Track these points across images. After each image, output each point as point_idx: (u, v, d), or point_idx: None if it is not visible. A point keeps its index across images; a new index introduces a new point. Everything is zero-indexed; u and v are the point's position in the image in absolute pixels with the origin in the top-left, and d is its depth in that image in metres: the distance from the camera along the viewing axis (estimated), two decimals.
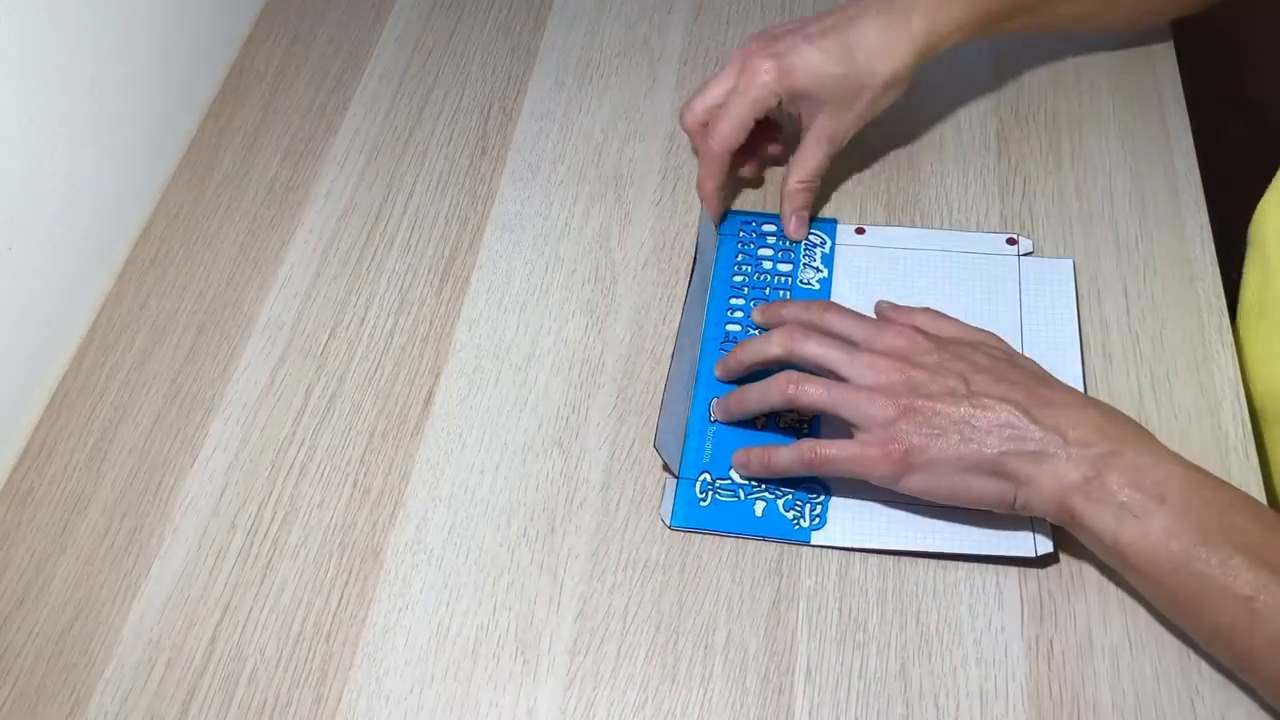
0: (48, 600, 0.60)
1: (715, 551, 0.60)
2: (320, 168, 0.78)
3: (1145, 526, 0.51)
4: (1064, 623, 0.56)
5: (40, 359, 0.68)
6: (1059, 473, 0.52)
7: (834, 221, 0.71)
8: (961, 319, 0.63)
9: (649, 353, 0.67)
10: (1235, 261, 0.68)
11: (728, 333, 0.67)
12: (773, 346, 0.59)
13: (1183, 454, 0.61)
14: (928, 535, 0.58)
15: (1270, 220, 0.62)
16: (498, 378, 0.67)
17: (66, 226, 0.69)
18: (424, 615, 0.58)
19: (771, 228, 0.71)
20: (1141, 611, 0.56)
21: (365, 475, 0.63)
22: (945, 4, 0.66)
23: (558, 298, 0.70)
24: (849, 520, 0.59)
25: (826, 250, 0.70)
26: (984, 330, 0.61)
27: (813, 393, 0.56)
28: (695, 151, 0.71)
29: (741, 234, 0.71)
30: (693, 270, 0.69)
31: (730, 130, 0.67)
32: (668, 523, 0.60)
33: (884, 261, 0.69)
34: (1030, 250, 0.69)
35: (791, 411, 0.62)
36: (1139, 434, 0.54)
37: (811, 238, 0.71)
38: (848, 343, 0.58)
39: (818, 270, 0.69)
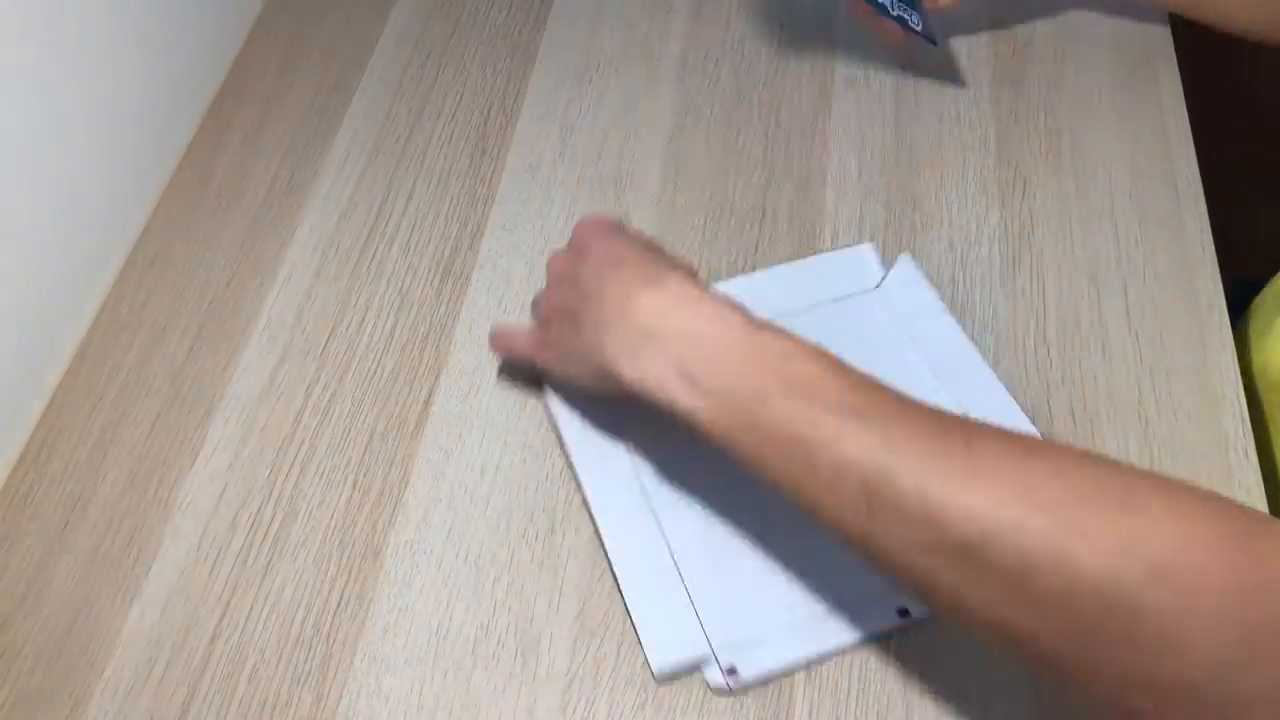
0: (48, 600, 0.60)
1: None
2: (320, 168, 0.78)
3: (706, 391, 0.50)
4: None
5: (40, 359, 0.68)
6: (634, 355, 0.53)
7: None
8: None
9: None
10: (1235, 262, 0.68)
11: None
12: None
13: (1182, 454, 0.61)
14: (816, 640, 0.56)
15: None
16: (498, 378, 0.67)
17: (66, 226, 0.69)
18: (424, 615, 0.58)
19: None
20: None
21: (365, 475, 0.63)
22: None
23: None
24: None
25: None
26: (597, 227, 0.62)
27: (534, 303, 0.64)
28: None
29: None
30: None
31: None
32: (725, 687, 0.55)
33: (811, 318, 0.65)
34: (882, 270, 0.68)
35: None
36: (709, 303, 0.53)
37: None
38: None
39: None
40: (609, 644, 0.57)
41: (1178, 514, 0.41)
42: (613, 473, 0.62)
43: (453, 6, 0.87)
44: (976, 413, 0.58)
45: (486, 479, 0.63)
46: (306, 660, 0.57)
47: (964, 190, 0.73)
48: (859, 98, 0.79)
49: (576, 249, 0.60)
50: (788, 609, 0.57)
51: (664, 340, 0.52)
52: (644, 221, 0.73)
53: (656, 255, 0.58)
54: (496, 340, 0.65)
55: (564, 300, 0.58)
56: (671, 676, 0.55)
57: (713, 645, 0.55)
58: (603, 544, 0.59)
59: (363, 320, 0.70)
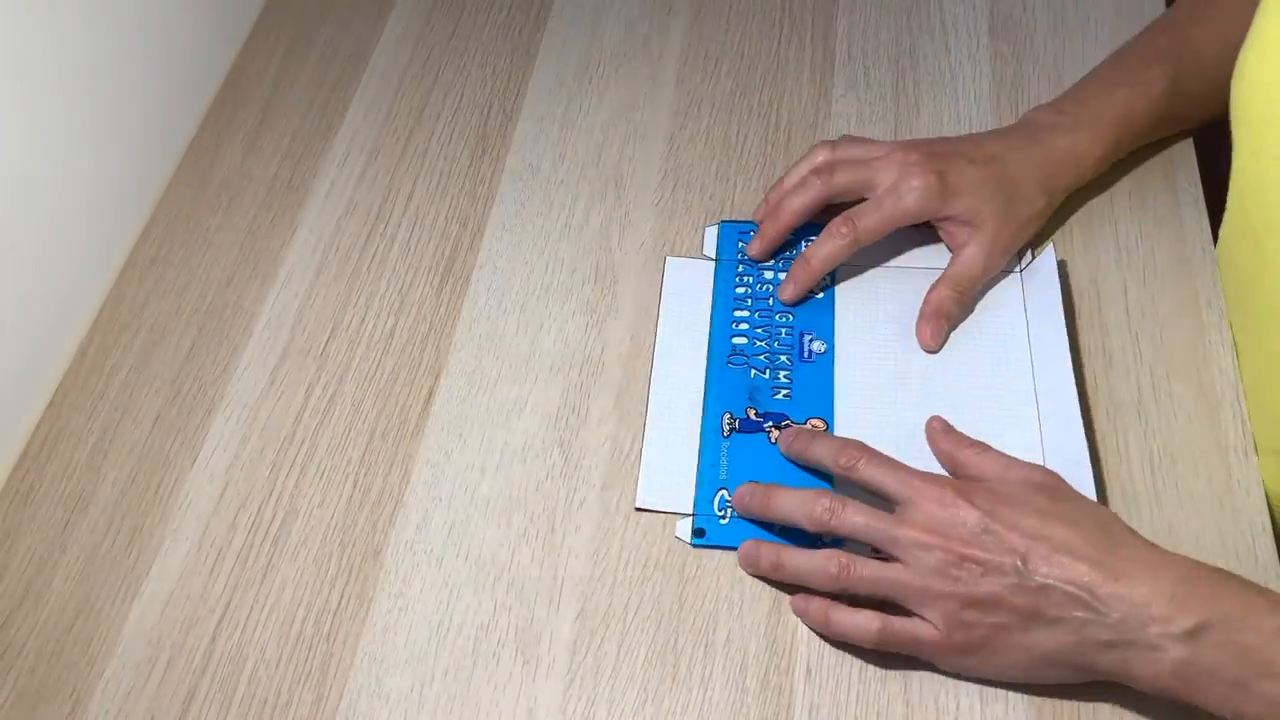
0: (48, 600, 0.60)
1: (715, 552, 0.60)
2: (320, 168, 0.78)
3: (1262, 701, 0.47)
4: None
5: (40, 359, 0.68)
6: (1146, 661, 0.49)
7: None
8: (968, 348, 0.64)
9: (649, 353, 0.67)
10: None
11: (734, 346, 0.66)
12: (829, 465, 0.57)
13: (1182, 454, 0.61)
14: None
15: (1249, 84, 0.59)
16: (498, 378, 0.67)
17: (66, 226, 0.69)
18: (424, 615, 0.58)
19: None
20: None
21: (365, 475, 0.63)
22: (1085, 148, 0.67)
23: (558, 298, 0.70)
24: None
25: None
26: (1027, 465, 0.56)
27: (867, 576, 0.53)
28: (793, 187, 0.68)
29: (741, 244, 0.71)
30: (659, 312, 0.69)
31: (881, 228, 0.65)
32: (688, 541, 0.60)
33: (887, 281, 0.68)
34: (1030, 259, 0.68)
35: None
36: (1218, 588, 0.49)
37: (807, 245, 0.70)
38: (884, 504, 0.55)
39: (821, 284, 0.68)
40: (609, 644, 0.57)
41: None
42: (687, 334, 0.67)
43: (453, 6, 0.87)
44: (1046, 427, 0.61)
45: (486, 479, 0.63)
46: (306, 660, 0.57)
47: None
48: (859, 98, 0.79)
49: (973, 529, 0.52)
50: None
51: (1195, 644, 0.48)
52: (644, 221, 0.73)
53: (1103, 522, 0.52)
54: (886, 633, 0.53)
55: (1001, 599, 0.50)
56: (646, 512, 0.61)
57: (695, 510, 0.61)
58: (649, 388, 0.65)
59: (363, 320, 0.70)
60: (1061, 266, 0.67)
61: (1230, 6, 0.67)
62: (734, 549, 0.59)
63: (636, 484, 0.62)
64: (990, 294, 0.67)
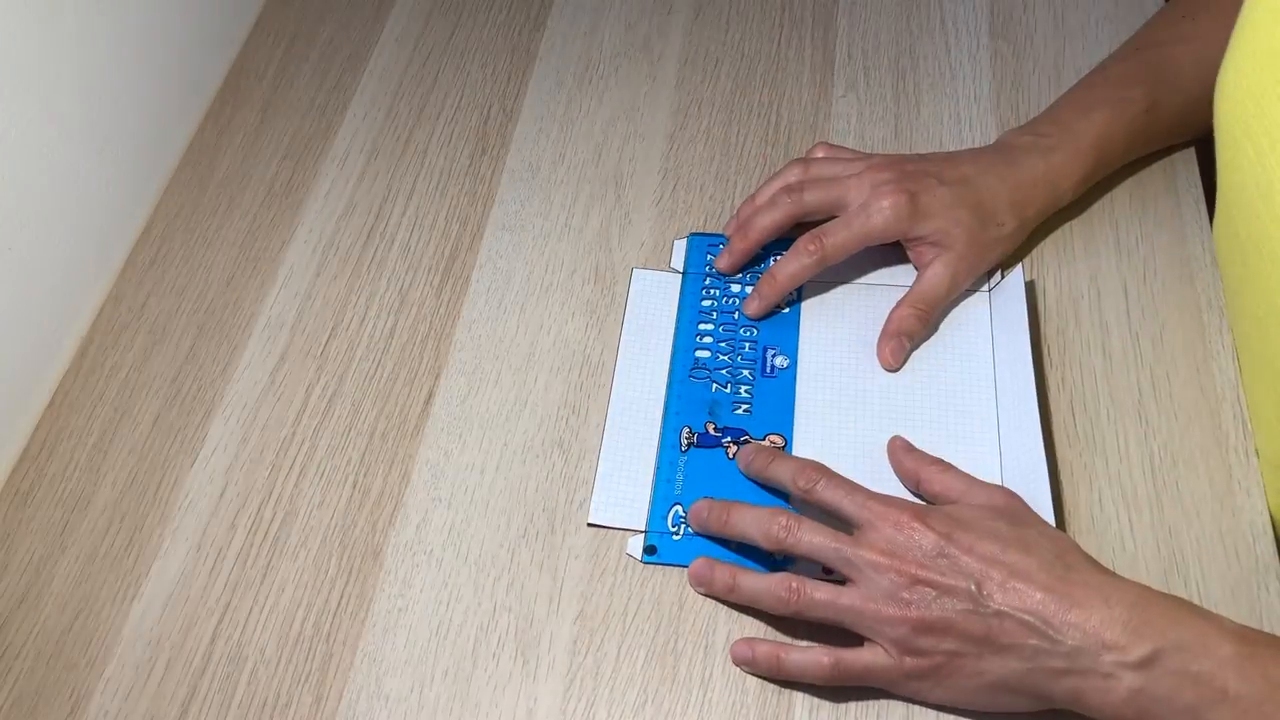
0: (48, 600, 0.60)
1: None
2: (320, 168, 0.78)
3: None
4: None
5: (40, 359, 0.68)
6: (1099, 690, 0.48)
7: None
8: (932, 366, 0.64)
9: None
10: None
11: (697, 359, 0.66)
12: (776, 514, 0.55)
13: (1182, 454, 0.61)
14: None
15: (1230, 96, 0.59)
16: (498, 378, 0.67)
17: (66, 226, 0.69)
18: (424, 615, 0.58)
19: None
20: None
21: (365, 475, 0.63)
22: (1061, 170, 0.66)
23: (558, 298, 0.70)
24: None
25: None
26: (989, 486, 0.57)
27: (819, 600, 0.53)
28: (759, 208, 0.68)
29: (709, 257, 0.71)
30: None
31: (848, 246, 0.65)
32: (638, 559, 0.60)
33: (853, 298, 0.68)
34: (999, 279, 0.68)
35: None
36: (1171, 616, 0.49)
37: (777, 259, 0.70)
38: (841, 525, 0.54)
39: (787, 299, 0.68)
40: (609, 644, 0.57)
41: None
42: (650, 347, 0.67)
43: (452, 6, 0.87)
44: (1006, 447, 0.61)
45: (486, 479, 0.63)
46: (306, 660, 0.57)
47: None
48: (859, 98, 0.79)
49: (929, 552, 0.51)
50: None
51: (1149, 673, 0.47)
52: (644, 221, 0.73)
53: (1059, 548, 0.52)
54: (837, 668, 0.53)
55: (955, 624, 0.50)
56: (599, 528, 0.61)
57: (648, 526, 0.60)
58: (608, 401, 0.65)
59: (363, 320, 0.70)
60: (1029, 287, 0.67)
61: (1209, 26, 0.67)
62: (686, 566, 0.59)
63: (595, 485, 0.62)
64: (956, 313, 0.67)
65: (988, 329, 0.66)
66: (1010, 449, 0.61)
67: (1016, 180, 0.65)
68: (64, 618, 0.59)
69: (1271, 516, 0.59)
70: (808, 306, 0.68)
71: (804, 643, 0.55)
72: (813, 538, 0.53)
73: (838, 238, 0.65)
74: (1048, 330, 0.67)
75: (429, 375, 0.67)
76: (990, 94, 0.78)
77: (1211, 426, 0.62)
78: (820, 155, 0.70)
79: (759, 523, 0.55)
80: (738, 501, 0.58)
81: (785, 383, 0.65)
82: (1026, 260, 0.69)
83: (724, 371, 0.66)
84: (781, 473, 0.58)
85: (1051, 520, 0.56)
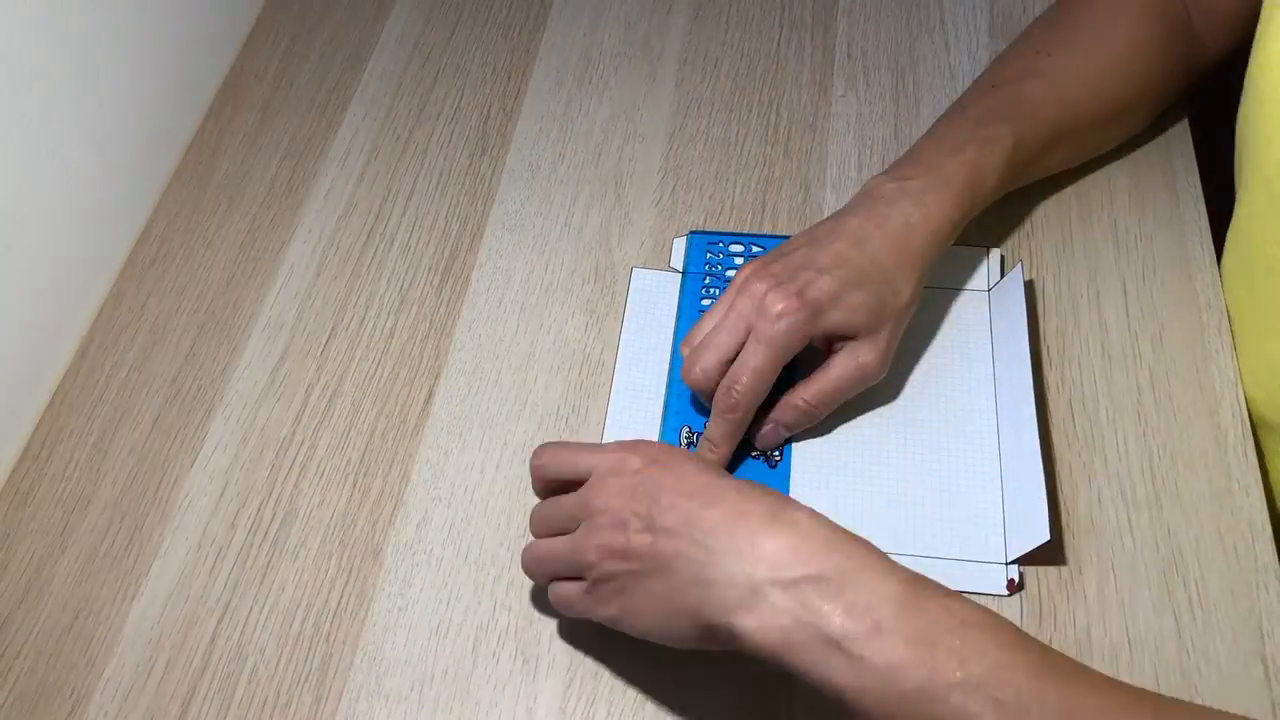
0: (48, 600, 0.60)
1: None
2: (320, 168, 0.78)
3: (860, 667, 0.43)
4: (1063, 623, 0.56)
5: (40, 359, 0.68)
6: (752, 609, 0.45)
7: None
8: (933, 366, 0.64)
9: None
10: None
11: None
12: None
13: (1182, 454, 0.61)
14: (893, 538, 0.59)
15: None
16: (498, 378, 0.67)
17: (66, 226, 0.69)
18: (424, 615, 0.58)
19: (739, 248, 0.71)
20: (1140, 612, 0.56)
21: (365, 475, 0.63)
22: (936, 212, 0.61)
23: (558, 298, 0.70)
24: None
25: None
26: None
27: (539, 557, 0.55)
28: (704, 400, 0.62)
29: (709, 255, 0.71)
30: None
31: (757, 383, 0.58)
32: None
33: None
34: (999, 278, 0.68)
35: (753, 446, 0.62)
36: (841, 546, 0.46)
37: None
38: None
39: None
40: (609, 644, 0.57)
41: None
42: (650, 347, 0.67)
43: (453, 6, 0.87)
44: (1005, 447, 0.61)
45: (486, 479, 0.63)
46: (306, 660, 0.57)
47: None
48: (859, 98, 0.79)
49: (627, 483, 0.51)
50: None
51: (800, 595, 0.44)
52: (644, 221, 0.73)
53: (749, 485, 0.50)
54: (553, 596, 0.55)
55: (631, 545, 0.49)
56: None
57: None
58: (608, 400, 0.65)
59: (363, 320, 0.70)
60: (1029, 287, 0.67)
61: (1065, 62, 0.68)
62: None
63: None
64: (956, 313, 0.67)
65: (987, 329, 0.66)
66: (1009, 449, 0.61)
67: (895, 239, 0.60)
68: (64, 618, 0.59)
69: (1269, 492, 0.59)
70: None
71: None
72: (548, 505, 0.55)
73: (743, 383, 0.59)
74: (1047, 330, 0.67)
75: (429, 375, 0.67)
76: None
77: (1211, 426, 0.62)
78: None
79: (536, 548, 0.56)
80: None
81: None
82: (1026, 260, 0.69)
83: None
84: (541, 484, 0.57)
85: (1047, 521, 0.56)
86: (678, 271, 0.70)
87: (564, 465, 0.55)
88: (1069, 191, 0.72)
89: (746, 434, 0.61)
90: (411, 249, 0.73)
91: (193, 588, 0.60)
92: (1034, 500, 0.57)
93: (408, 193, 0.76)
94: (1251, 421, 0.62)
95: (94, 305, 0.72)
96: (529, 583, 0.59)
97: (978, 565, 0.58)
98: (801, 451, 0.62)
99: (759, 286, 0.59)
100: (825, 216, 0.65)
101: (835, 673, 0.44)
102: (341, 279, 0.72)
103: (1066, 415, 0.63)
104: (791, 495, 0.59)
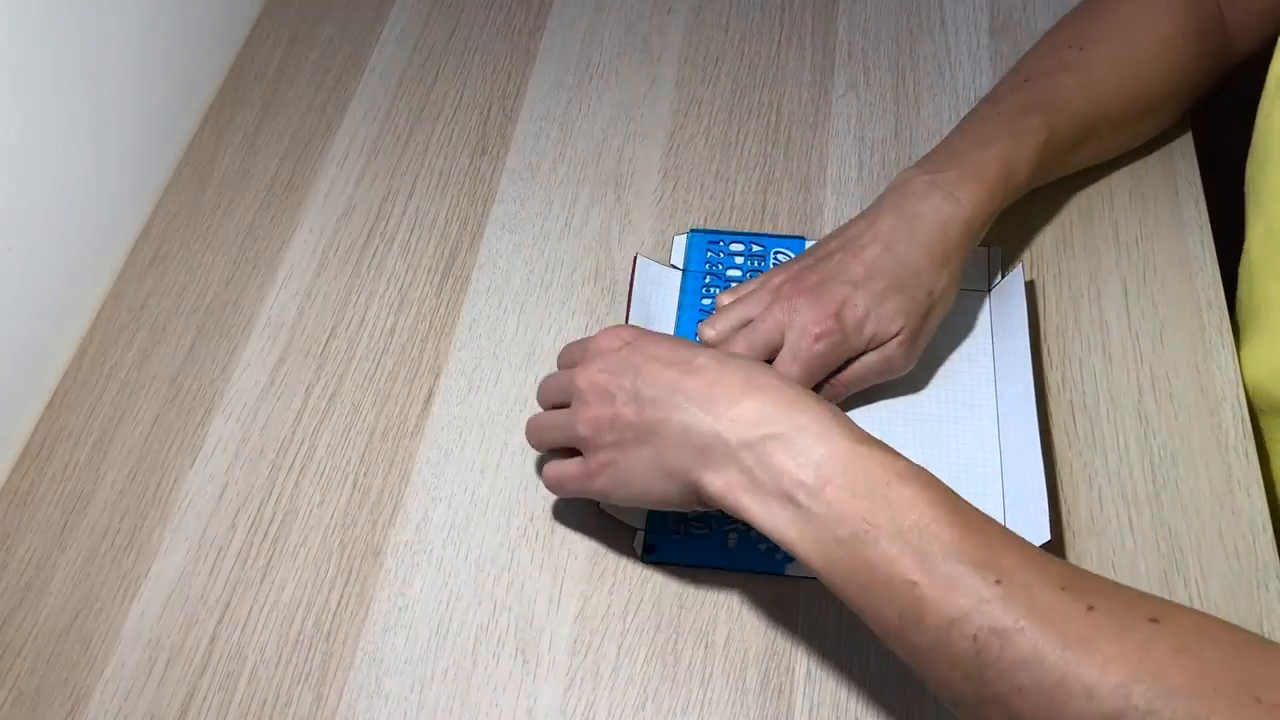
0: (48, 600, 0.60)
1: None
2: (320, 168, 0.78)
3: (808, 516, 0.47)
4: None
5: (40, 359, 0.68)
6: (720, 467, 0.49)
7: (803, 240, 0.71)
8: (934, 367, 0.64)
9: None
10: (1235, 261, 0.68)
11: None
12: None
13: (1182, 454, 0.61)
14: None
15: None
16: (498, 378, 0.67)
17: (66, 226, 0.69)
18: (424, 615, 0.58)
19: (739, 247, 0.71)
20: None
21: (365, 475, 0.63)
22: (970, 204, 0.62)
23: (558, 298, 0.70)
24: None
25: None
26: None
27: (539, 425, 0.59)
28: None
29: (709, 254, 0.71)
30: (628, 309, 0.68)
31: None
32: (639, 555, 0.60)
33: None
34: (1000, 279, 0.68)
35: None
36: (804, 409, 0.49)
37: (780, 257, 0.70)
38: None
39: None
40: (609, 644, 0.57)
41: None
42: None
43: (453, 6, 0.87)
44: (1006, 446, 0.61)
45: (486, 479, 0.63)
46: (306, 660, 0.57)
47: None
48: (859, 98, 0.79)
49: (612, 360, 0.54)
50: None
51: (762, 452, 0.48)
52: (644, 221, 0.73)
53: (722, 354, 0.53)
54: (544, 476, 0.58)
55: (620, 415, 0.53)
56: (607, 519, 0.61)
57: (648, 525, 0.60)
58: None
59: (363, 320, 0.70)
60: (1029, 287, 0.67)
61: (1096, 56, 0.68)
62: (688, 564, 0.59)
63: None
64: (956, 312, 0.66)
65: (988, 329, 0.66)
66: (1010, 448, 0.61)
67: (928, 238, 0.61)
68: (64, 618, 0.59)
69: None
70: None
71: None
72: (548, 381, 0.59)
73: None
74: (1048, 330, 0.67)
75: (429, 375, 0.67)
76: None
77: (1211, 425, 0.62)
78: (725, 301, 0.64)
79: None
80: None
81: None
82: (1026, 260, 0.69)
83: None
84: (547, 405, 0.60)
85: (1047, 520, 0.56)
86: (678, 269, 0.70)
87: (550, 387, 0.59)
88: (1069, 191, 0.72)
89: None
90: (411, 249, 0.73)
91: (193, 588, 0.60)
92: (1035, 500, 0.57)
93: (407, 193, 0.76)
94: (1252, 416, 0.62)
95: (94, 305, 0.72)
96: (529, 583, 0.59)
97: None
98: None
99: (798, 301, 0.60)
100: (823, 218, 0.65)
101: (784, 523, 0.47)
102: (341, 279, 0.72)
103: (1067, 415, 0.63)
104: None
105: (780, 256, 0.70)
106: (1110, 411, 0.63)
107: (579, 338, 0.67)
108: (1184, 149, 0.74)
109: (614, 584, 0.59)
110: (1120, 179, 0.72)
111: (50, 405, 0.67)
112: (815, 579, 0.48)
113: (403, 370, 0.68)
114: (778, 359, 0.60)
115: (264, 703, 0.56)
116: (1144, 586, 0.57)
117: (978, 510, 0.47)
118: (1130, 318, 0.67)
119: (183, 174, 0.78)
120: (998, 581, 0.43)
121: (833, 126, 0.77)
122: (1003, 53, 0.80)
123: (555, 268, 0.71)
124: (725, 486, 0.49)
